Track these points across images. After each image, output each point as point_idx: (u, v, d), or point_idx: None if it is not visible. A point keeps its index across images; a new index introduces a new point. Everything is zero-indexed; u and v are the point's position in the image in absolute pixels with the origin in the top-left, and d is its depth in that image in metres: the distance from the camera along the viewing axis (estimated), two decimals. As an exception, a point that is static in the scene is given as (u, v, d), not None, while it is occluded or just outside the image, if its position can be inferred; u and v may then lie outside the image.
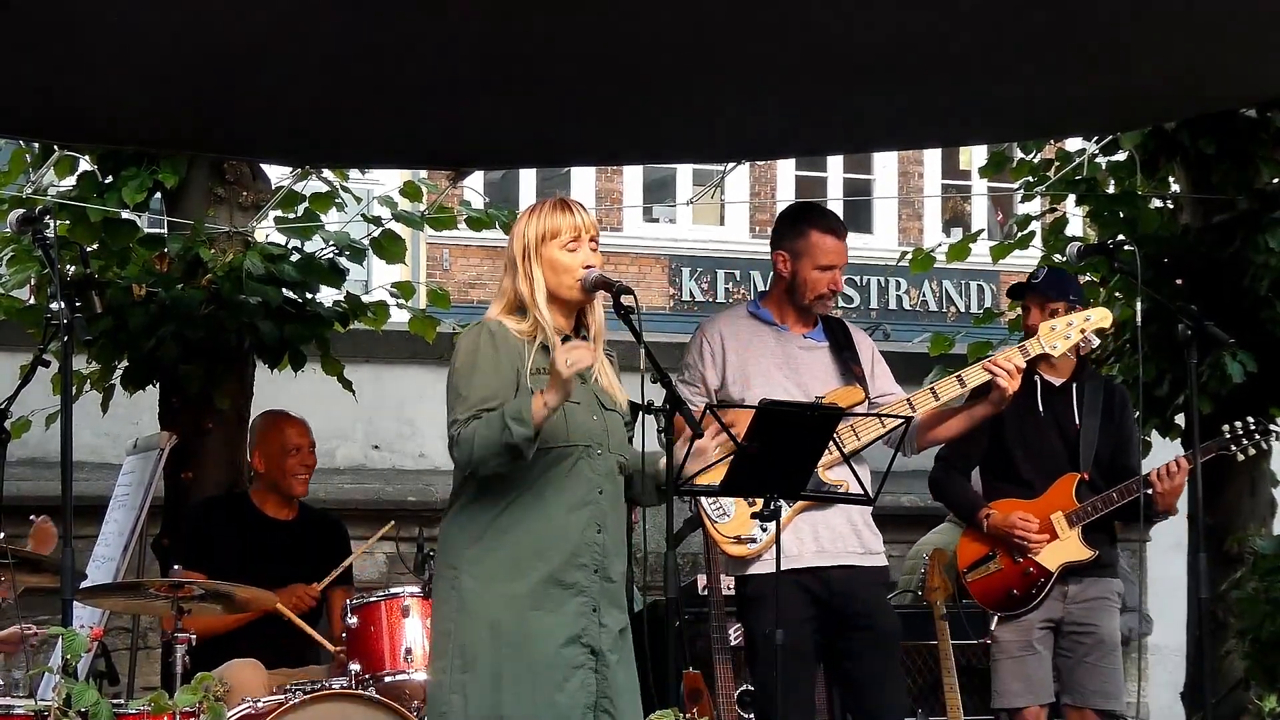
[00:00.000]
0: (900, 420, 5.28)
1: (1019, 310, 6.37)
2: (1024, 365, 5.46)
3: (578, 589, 4.49)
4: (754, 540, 5.41)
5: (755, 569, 5.46)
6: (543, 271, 4.58)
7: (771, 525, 4.86)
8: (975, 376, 5.51)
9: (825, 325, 5.71)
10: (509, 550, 4.52)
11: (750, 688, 6.57)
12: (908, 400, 5.55)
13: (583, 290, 4.57)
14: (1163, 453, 6.63)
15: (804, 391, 5.48)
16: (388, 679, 5.62)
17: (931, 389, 5.57)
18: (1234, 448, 6.13)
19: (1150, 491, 5.95)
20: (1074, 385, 6.13)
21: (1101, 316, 5.74)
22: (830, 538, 5.50)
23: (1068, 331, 5.62)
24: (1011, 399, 5.48)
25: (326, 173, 7.59)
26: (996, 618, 6.10)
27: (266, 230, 7.55)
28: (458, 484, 4.65)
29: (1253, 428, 6.12)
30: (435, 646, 4.54)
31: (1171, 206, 7.81)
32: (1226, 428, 6.14)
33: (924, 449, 5.72)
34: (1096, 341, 5.83)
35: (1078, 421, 6.09)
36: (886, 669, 5.57)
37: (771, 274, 5.74)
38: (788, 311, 5.67)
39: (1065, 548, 5.99)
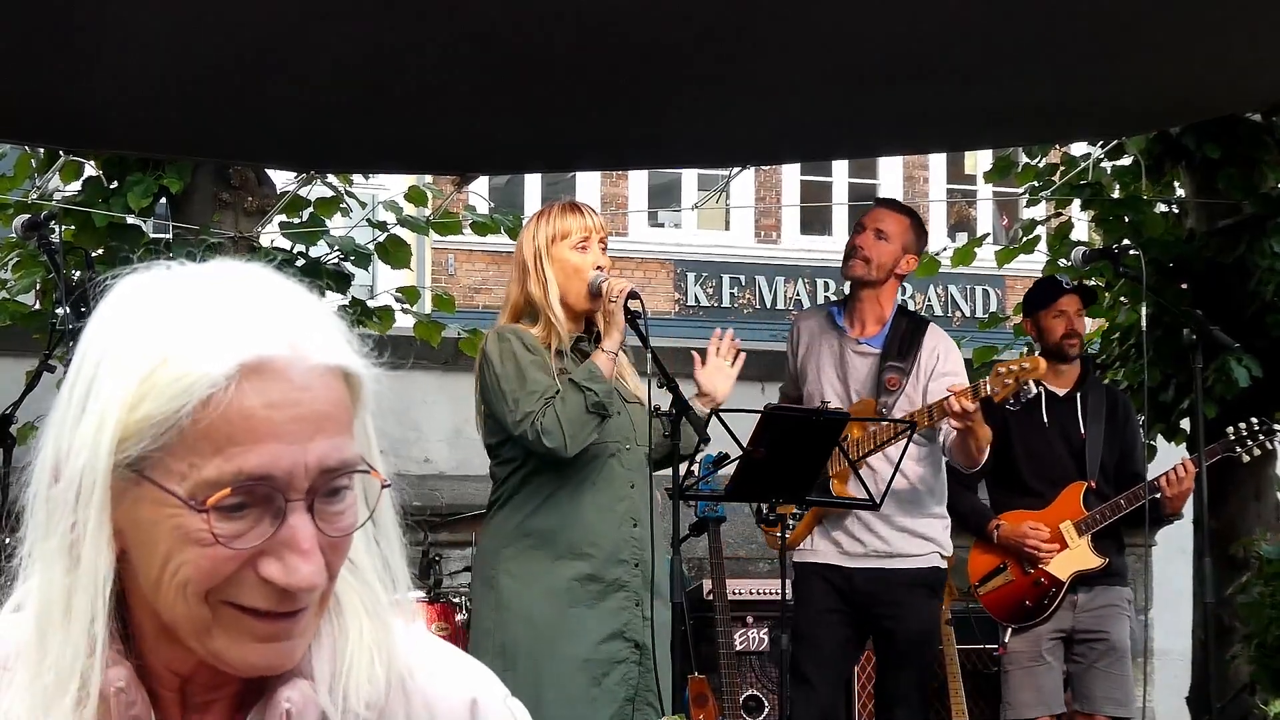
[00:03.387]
0: (905, 428, 5.29)
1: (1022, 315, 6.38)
2: (973, 408, 5.32)
3: (619, 584, 4.54)
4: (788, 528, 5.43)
5: (794, 559, 5.58)
6: (555, 273, 4.61)
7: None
8: (935, 415, 5.47)
9: (895, 329, 5.66)
10: (547, 549, 4.57)
11: (755, 692, 6.58)
12: (928, 406, 5.53)
13: (590, 296, 4.60)
14: (1168, 457, 6.63)
15: (848, 392, 5.61)
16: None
17: (929, 409, 5.52)
18: (1239, 449, 6.14)
19: (1158, 496, 5.96)
20: (1078, 394, 6.13)
21: (1034, 364, 5.52)
22: (846, 540, 5.53)
23: (1006, 379, 5.49)
24: (972, 419, 5.36)
25: (331, 178, 7.59)
26: (1010, 629, 6.09)
27: (272, 235, 7.55)
28: (495, 487, 4.73)
29: (1257, 428, 6.13)
30: (475, 646, 4.60)
31: (1176, 211, 7.80)
32: (1231, 429, 6.15)
33: (976, 464, 5.57)
34: (1033, 391, 5.81)
35: (1083, 430, 6.08)
36: (902, 676, 5.58)
37: None
38: (854, 309, 5.74)
39: (1075, 556, 5.99)
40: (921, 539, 5.57)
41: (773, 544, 5.59)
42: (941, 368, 5.63)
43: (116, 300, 1.30)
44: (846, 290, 5.98)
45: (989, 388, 5.43)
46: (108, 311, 1.30)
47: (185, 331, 1.24)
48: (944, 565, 5.67)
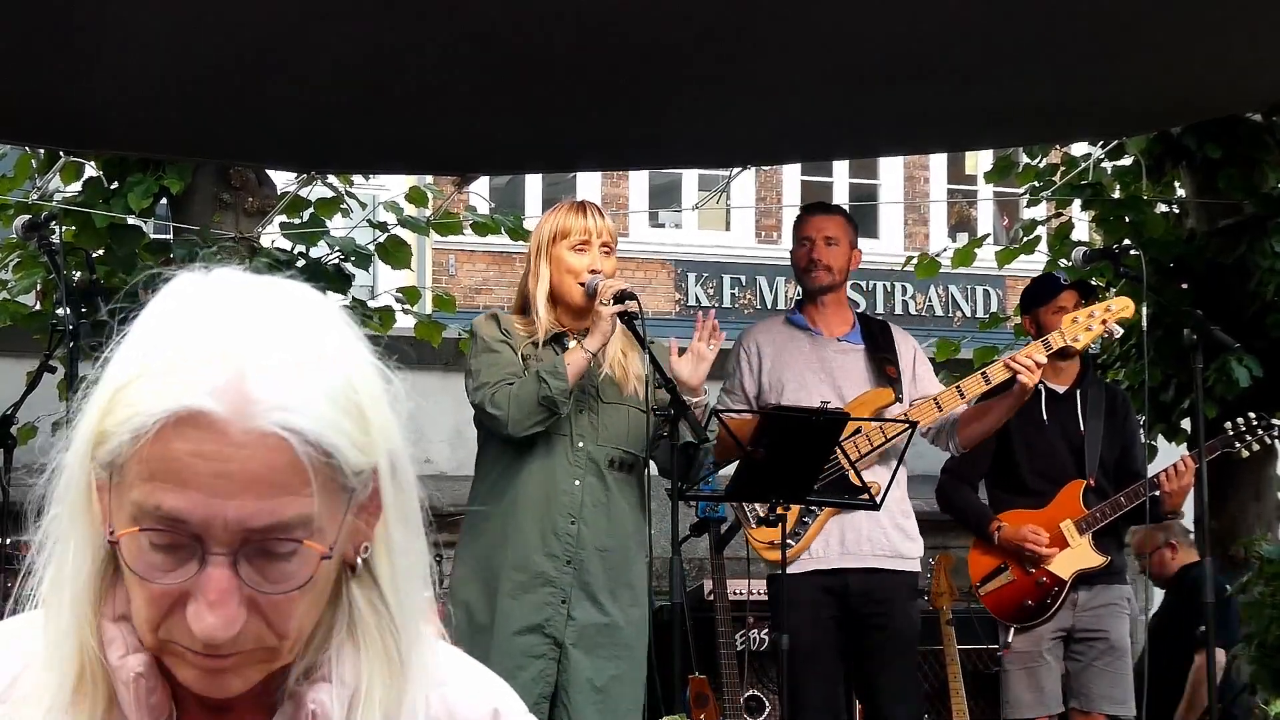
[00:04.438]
0: (905, 427, 5.29)
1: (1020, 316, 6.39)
2: (1044, 360, 5.48)
3: (544, 579, 4.54)
4: (789, 545, 5.46)
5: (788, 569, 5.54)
6: (549, 269, 4.65)
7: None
8: (998, 373, 5.55)
9: (865, 327, 5.77)
10: (485, 535, 4.63)
11: (755, 692, 6.59)
12: (934, 399, 5.57)
13: (586, 295, 4.61)
14: (1168, 457, 6.63)
15: (839, 394, 5.56)
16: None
17: (958, 387, 5.59)
18: (1238, 444, 6.13)
19: (1157, 492, 5.96)
20: (1077, 392, 6.13)
21: (1123, 306, 5.69)
22: (855, 540, 5.53)
23: (1089, 323, 5.61)
24: (1031, 393, 5.50)
25: (332, 178, 7.59)
26: (1013, 629, 6.08)
27: (272, 236, 7.56)
28: None
29: (1255, 424, 6.12)
30: None
31: (1177, 211, 7.80)
32: (1229, 425, 6.14)
33: (971, 444, 5.75)
34: (1120, 331, 5.79)
35: (1082, 427, 6.08)
36: (897, 671, 5.59)
37: None
38: (819, 313, 5.74)
39: (1077, 555, 5.98)
40: (912, 540, 5.61)
41: (765, 554, 5.59)
42: (919, 358, 5.76)
43: (155, 300, 1.31)
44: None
45: (1066, 337, 5.52)
46: (146, 310, 1.31)
47: (156, 358, 1.25)
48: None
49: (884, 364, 5.64)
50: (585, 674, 4.56)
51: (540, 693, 4.50)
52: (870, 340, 5.72)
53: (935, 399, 5.58)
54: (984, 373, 5.60)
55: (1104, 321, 5.61)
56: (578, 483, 4.64)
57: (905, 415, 5.48)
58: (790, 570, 5.50)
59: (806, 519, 5.41)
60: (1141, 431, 6.70)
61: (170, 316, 1.28)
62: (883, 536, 5.53)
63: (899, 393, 5.59)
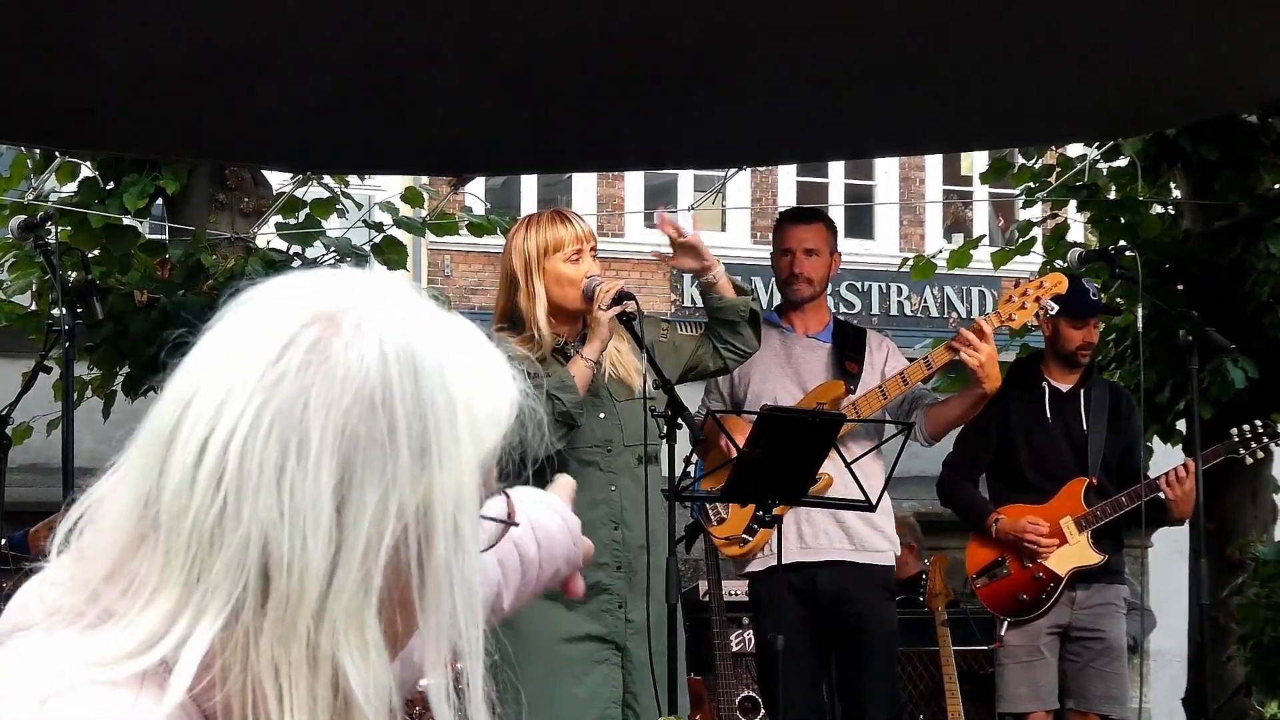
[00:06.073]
0: (900, 428, 5.30)
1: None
2: (989, 330, 5.47)
3: (599, 587, 4.52)
4: (744, 540, 5.51)
5: (752, 567, 5.60)
6: (545, 286, 4.59)
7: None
8: (939, 357, 5.60)
9: (838, 327, 5.87)
10: None
11: (751, 693, 6.59)
12: (880, 387, 5.59)
13: (584, 299, 4.59)
14: (1164, 458, 6.64)
15: (799, 385, 5.67)
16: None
17: (901, 374, 5.63)
18: (1242, 450, 6.14)
19: (1161, 497, 5.96)
20: (1081, 390, 6.14)
21: (1055, 281, 5.71)
22: (812, 534, 5.56)
23: (1023, 301, 5.64)
24: (991, 371, 5.47)
25: (327, 179, 7.59)
26: (1006, 623, 6.10)
27: (268, 236, 7.55)
28: None
29: (1260, 430, 6.13)
30: None
31: (1173, 212, 7.80)
32: (1235, 431, 6.15)
33: (939, 436, 5.80)
34: (1054, 308, 5.78)
35: (1085, 426, 6.09)
36: (875, 674, 5.60)
37: None
38: (796, 315, 5.85)
39: (1075, 552, 6.00)
40: (878, 532, 5.62)
41: (725, 550, 5.61)
42: (892, 358, 5.82)
43: (398, 351, 1.23)
44: (775, 300, 6.10)
45: (1002, 316, 5.58)
46: (409, 363, 1.23)
47: (468, 376, 1.26)
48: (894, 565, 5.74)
49: (846, 359, 5.72)
50: (648, 672, 4.53)
51: (609, 696, 4.49)
52: (840, 338, 5.82)
53: (880, 387, 5.63)
54: (926, 359, 5.66)
55: (1037, 299, 5.63)
56: (614, 488, 4.62)
57: (854, 405, 5.54)
58: (754, 568, 5.56)
59: (760, 512, 5.38)
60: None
61: (450, 340, 1.26)
62: (839, 529, 5.55)
63: (851, 386, 5.63)
